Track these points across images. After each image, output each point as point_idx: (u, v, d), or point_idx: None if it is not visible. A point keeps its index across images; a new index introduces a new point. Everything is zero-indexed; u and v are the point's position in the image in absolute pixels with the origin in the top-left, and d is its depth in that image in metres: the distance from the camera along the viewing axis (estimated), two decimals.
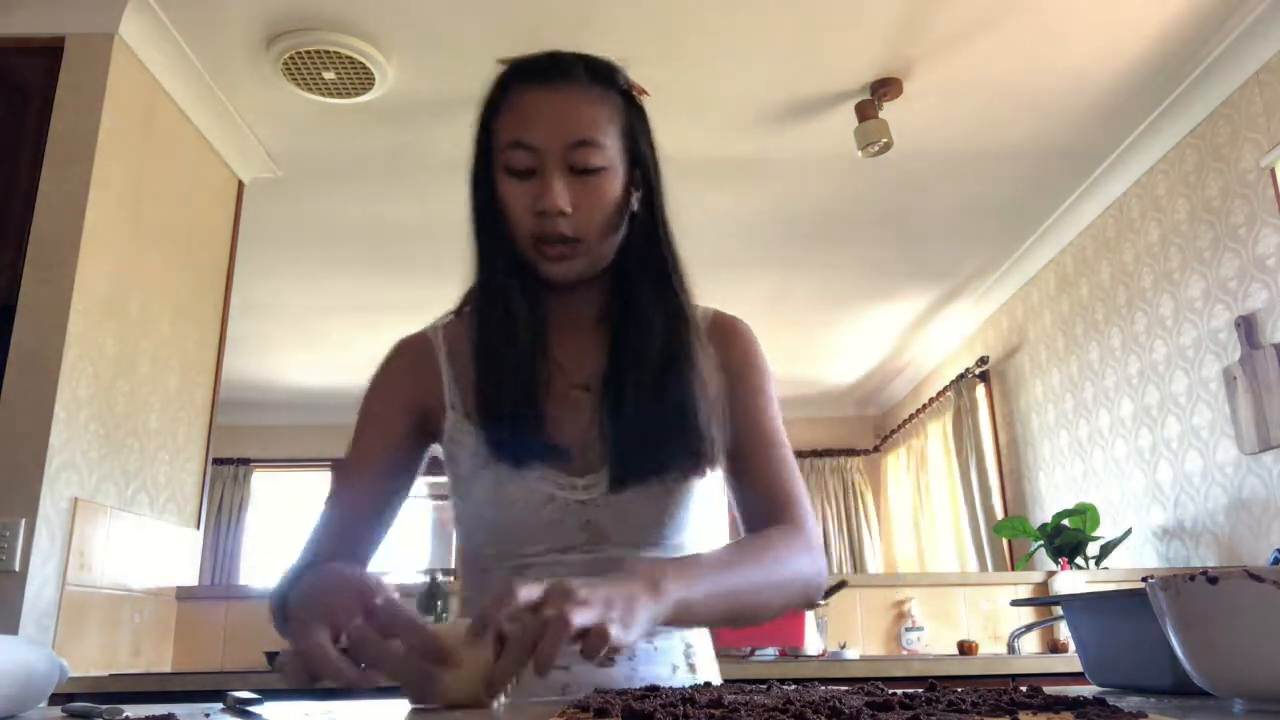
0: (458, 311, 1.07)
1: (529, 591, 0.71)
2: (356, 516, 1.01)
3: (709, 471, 1.00)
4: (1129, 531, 3.45)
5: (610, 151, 0.96)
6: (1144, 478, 3.52)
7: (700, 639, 1.06)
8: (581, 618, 0.69)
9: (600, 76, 0.98)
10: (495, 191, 0.97)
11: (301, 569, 0.95)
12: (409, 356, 1.07)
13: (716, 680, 1.02)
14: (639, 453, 0.96)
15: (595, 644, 0.69)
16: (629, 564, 0.80)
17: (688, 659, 1.03)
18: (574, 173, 0.94)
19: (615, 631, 0.71)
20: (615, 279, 1.03)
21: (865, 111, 3.11)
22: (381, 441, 1.03)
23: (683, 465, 0.98)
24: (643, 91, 1.03)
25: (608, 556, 0.98)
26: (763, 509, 1.01)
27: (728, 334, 1.09)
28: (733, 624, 0.95)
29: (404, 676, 0.71)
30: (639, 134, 1.01)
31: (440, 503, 7.16)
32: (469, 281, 1.04)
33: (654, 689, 0.72)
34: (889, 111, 3.14)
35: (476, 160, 1.00)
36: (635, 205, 1.01)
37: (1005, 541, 4.70)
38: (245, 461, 6.93)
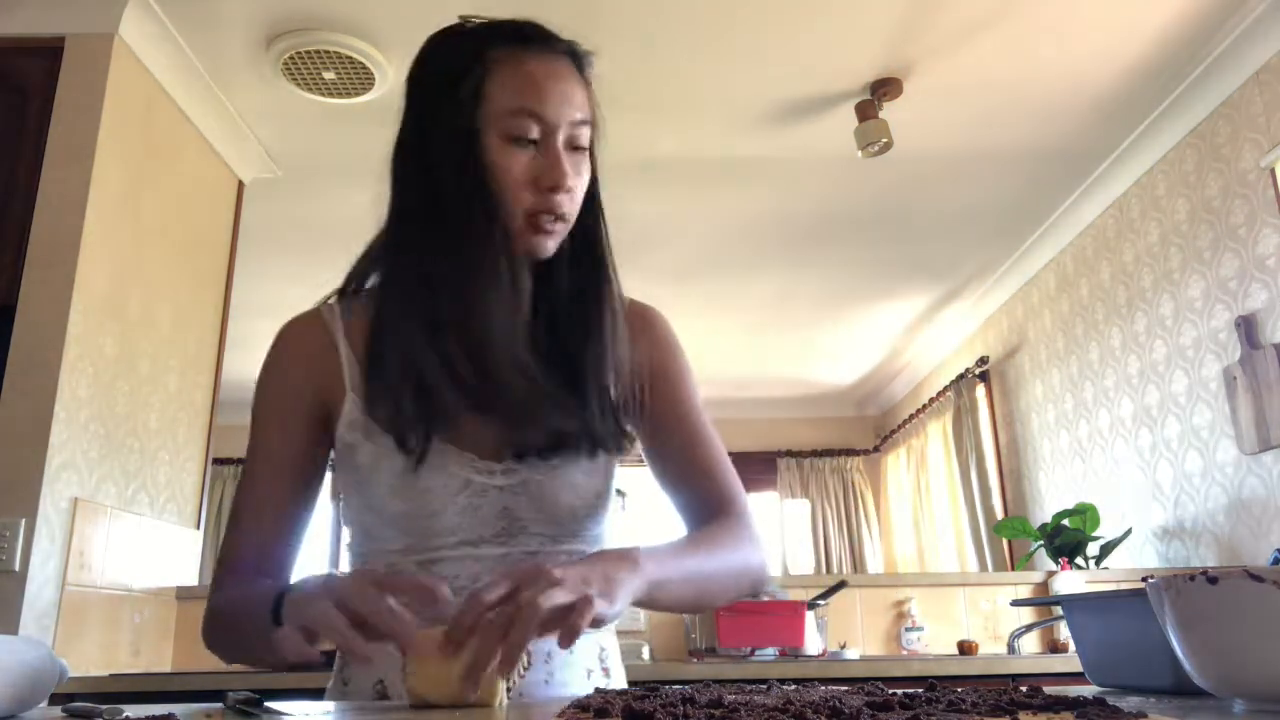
0: (352, 289, 1.00)
1: (498, 589, 0.71)
2: (274, 524, 0.96)
3: (608, 455, 0.97)
4: (1129, 531, 3.45)
5: (592, 133, 0.96)
6: (1144, 478, 3.52)
7: (610, 640, 1.03)
8: (556, 599, 0.68)
9: (579, 58, 0.97)
10: (479, 158, 0.91)
11: (227, 580, 0.94)
12: (302, 340, 0.99)
13: (624, 683, 1.01)
14: (540, 430, 0.93)
15: (577, 620, 0.68)
16: (596, 552, 0.80)
17: (602, 662, 1.00)
18: (568, 149, 0.93)
19: (600, 605, 0.70)
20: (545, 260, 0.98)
21: (865, 111, 3.11)
22: (285, 437, 0.97)
23: (581, 445, 0.95)
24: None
25: (522, 550, 0.94)
26: (701, 502, 0.99)
27: (644, 323, 1.06)
28: (691, 609, 0.95)
29: (398, 628, 0.70)
30: (599, 121, 0.99)
31: None
32: (379, 248, 0.99)
33: (654, 689, 0.72)
34: (889, 111, 3.14)
35: (448, 121, 0.92)
36: None
37: (1005, 541, 4.70)
38: (245, 461, 6.92)
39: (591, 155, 0.98)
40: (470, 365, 0.90)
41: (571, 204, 0.94)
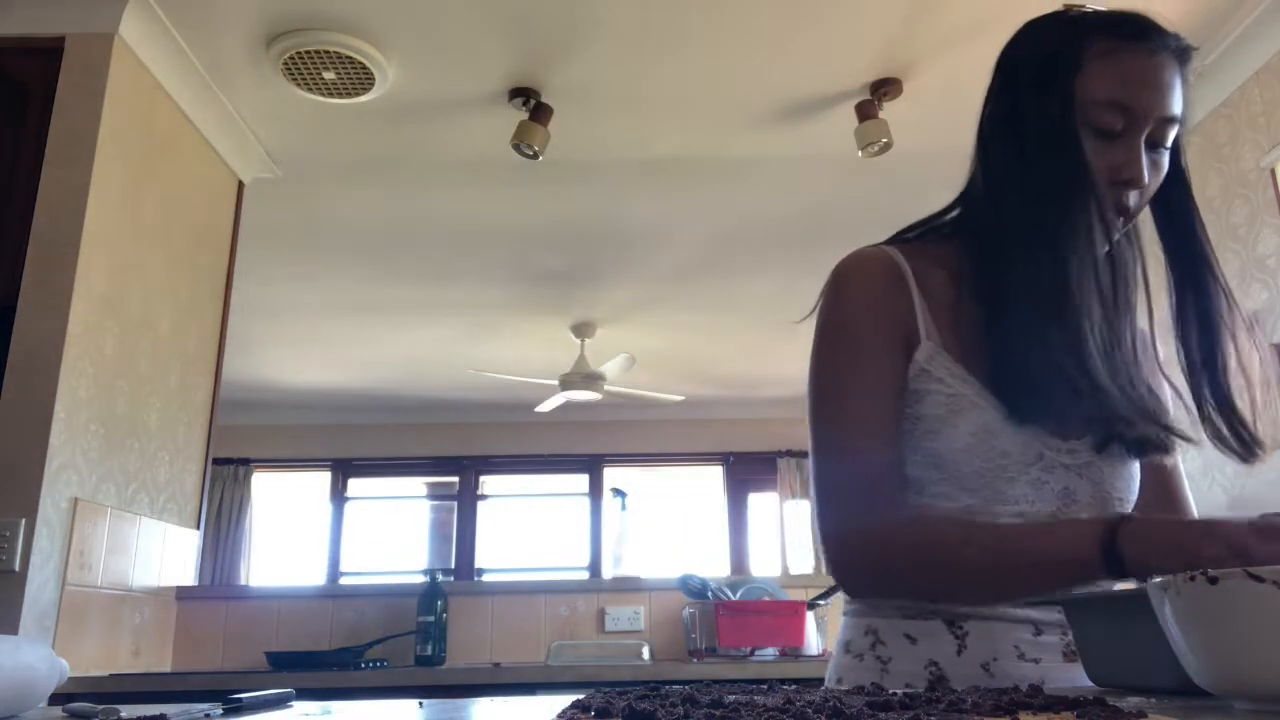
0: (912, 236, 1.05)
1: None
2: (892, 443, 0.94)
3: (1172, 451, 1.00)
4: None
5: (1180, 131, 0.94)
6: None
7: None
8: None
9: (1184, 57, 0.96)
10: (1072, 144, 0.91)
11: (884, 503, 0.91)
12: (884, 276, 0.99)
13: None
14: (1126, 422, 0.96)
15: None
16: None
17: None
18: (1149, 146, 0.92)
19: None
20: None
21: (865, 111, 3.11)
22: (888, 358, 0.96)
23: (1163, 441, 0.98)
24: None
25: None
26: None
27: None
28: None
29: None
30: (1186, 122, 0.96)
31: (439, 503, 7.12)
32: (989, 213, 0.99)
33: (654, 689, 0.72)
34: (889, 111, 3.14)
35: (1040, 104, 0.93)
36: None
37: None
38: (245, 461, 6.93)
39: (1176, 157, 0.96)
40: (1074, 359, 0.89)
41: (1139, 201, 0.93)
